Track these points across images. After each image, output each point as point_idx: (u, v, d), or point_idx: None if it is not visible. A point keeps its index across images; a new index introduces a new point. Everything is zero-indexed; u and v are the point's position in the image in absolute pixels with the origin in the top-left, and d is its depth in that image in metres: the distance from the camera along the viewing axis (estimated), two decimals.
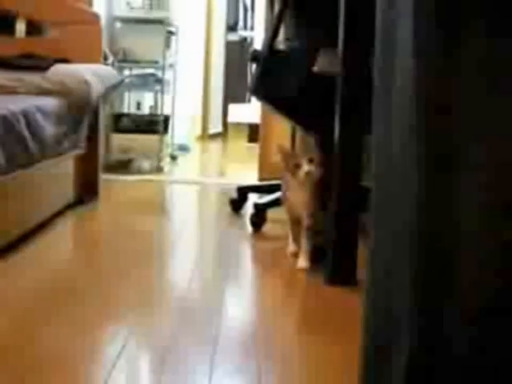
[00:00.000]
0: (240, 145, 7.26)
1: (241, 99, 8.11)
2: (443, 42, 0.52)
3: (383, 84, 0.61)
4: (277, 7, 3.05)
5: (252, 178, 4.60)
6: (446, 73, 0.52)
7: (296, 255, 2.65)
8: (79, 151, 3.45)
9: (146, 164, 5.18)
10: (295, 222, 2.70)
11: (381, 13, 0.63)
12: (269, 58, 2.95)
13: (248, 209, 3.48)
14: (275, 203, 3.16)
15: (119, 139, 4.89)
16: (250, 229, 3.17)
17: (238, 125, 7.57)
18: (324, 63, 2.83)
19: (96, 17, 3.81)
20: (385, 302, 0.55)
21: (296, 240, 2.71)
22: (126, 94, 5.42)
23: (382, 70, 0.62)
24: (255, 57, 3.04)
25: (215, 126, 8.19)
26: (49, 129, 2.92)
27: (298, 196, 2.62)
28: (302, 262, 2.58)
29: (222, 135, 8.11)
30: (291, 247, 2.74)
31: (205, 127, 7.89)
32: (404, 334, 0.51)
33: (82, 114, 3.37)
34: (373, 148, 0.65)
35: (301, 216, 2.64)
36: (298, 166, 2.55)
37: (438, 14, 0.53)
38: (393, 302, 0.53)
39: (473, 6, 0.53)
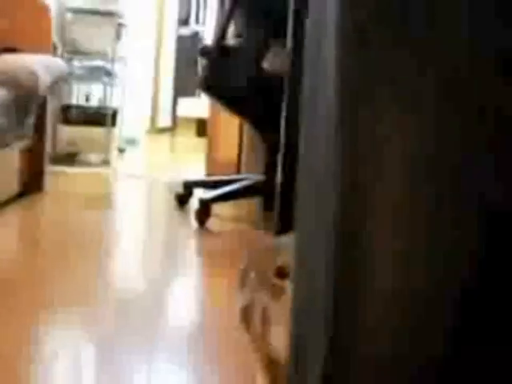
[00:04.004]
0: (189, 139, 7.25)
1: (191, 93, 8.10)
2: (364, 74, 0.54)
3: (311, 108, 0.62)
4: (227, 3, 3.06)
5: (199, 173, 4.60)
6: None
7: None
8: (25, 143, 3.42)
9: (93, 157, 5.15)
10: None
11: (309, 34, 0.63)
12: (218, 54, 2.97)
13: (194, 204, 3.49)
14: (220, 198, 3.17)
15: (67, 131, 4.85)
16: (194, 224, 3.18)
17: (187, 119, 7.55)
18: (273, 62, 2.86)
19: (46, 7, 3.78)
20: (307, 304, 0.57)
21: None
22: (75, 86, 5.38)
23: (309, 98, 0.63)
24: (204, 52, 3.05)
25: (164, 120, 8.16)
26: None
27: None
28: None
29: (172, 129, 8.08)
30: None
31: (154, 121, 7.86)
32: (320, 340, 0.53)
33: (28, 106, 3.34)
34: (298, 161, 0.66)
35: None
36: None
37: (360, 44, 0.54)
38: (312, 304, 0.55)
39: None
